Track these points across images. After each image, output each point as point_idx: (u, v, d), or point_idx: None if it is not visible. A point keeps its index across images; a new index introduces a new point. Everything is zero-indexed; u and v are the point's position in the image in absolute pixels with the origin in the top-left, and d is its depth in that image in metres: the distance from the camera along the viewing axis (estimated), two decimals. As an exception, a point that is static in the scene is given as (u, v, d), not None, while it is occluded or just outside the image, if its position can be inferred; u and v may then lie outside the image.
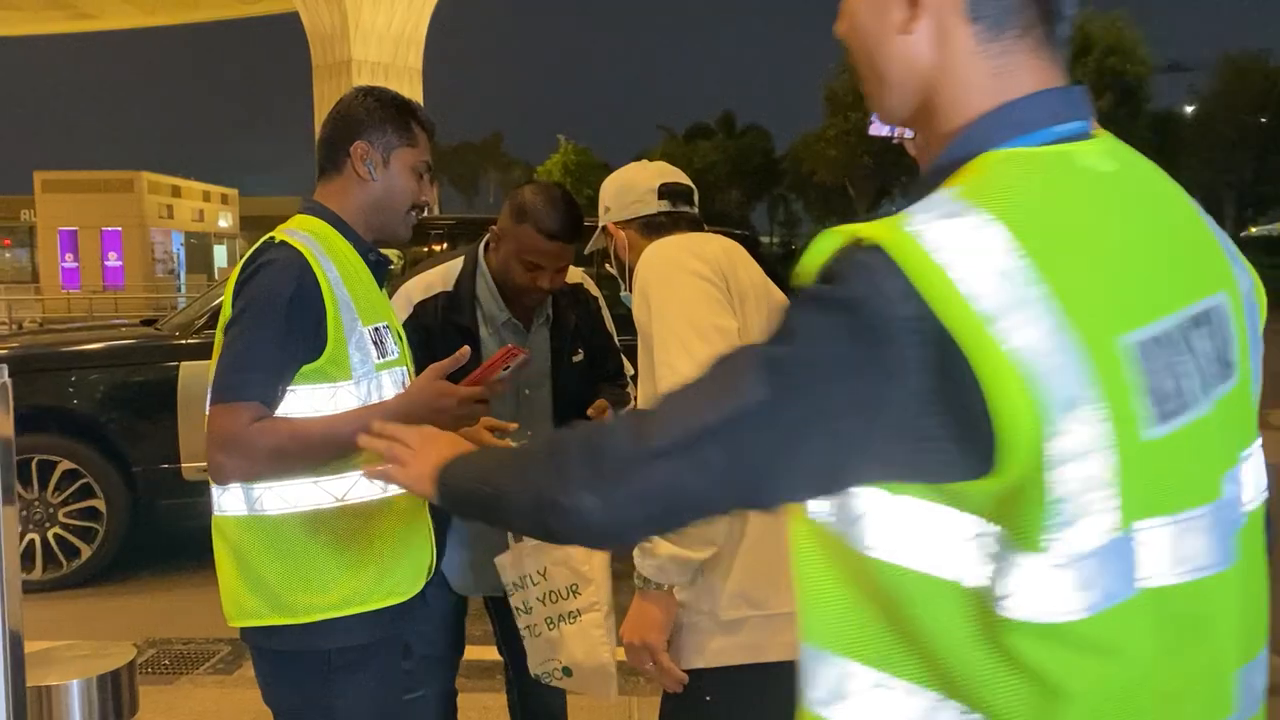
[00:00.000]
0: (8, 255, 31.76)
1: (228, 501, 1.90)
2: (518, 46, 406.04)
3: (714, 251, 1.90)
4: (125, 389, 5.42)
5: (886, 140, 3.04)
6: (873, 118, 3.14)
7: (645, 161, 2.24)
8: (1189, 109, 36.68)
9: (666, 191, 2.13)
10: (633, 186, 2.14)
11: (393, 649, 2.00)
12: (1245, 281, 1.01)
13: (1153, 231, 0.91)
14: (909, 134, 2.96)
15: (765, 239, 58.49)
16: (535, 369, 2.51)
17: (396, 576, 1.96)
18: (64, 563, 5.28)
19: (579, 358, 2.63)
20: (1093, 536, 0.81)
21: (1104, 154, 0.92)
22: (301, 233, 1.93)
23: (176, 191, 38.08)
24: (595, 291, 2.78)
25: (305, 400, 1.86)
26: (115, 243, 34.15)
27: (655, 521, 0.98)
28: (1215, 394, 0.91)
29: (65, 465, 5.28)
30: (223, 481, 1.86)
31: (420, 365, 2.05)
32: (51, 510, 5.29)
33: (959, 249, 0.81)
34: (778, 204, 59.11)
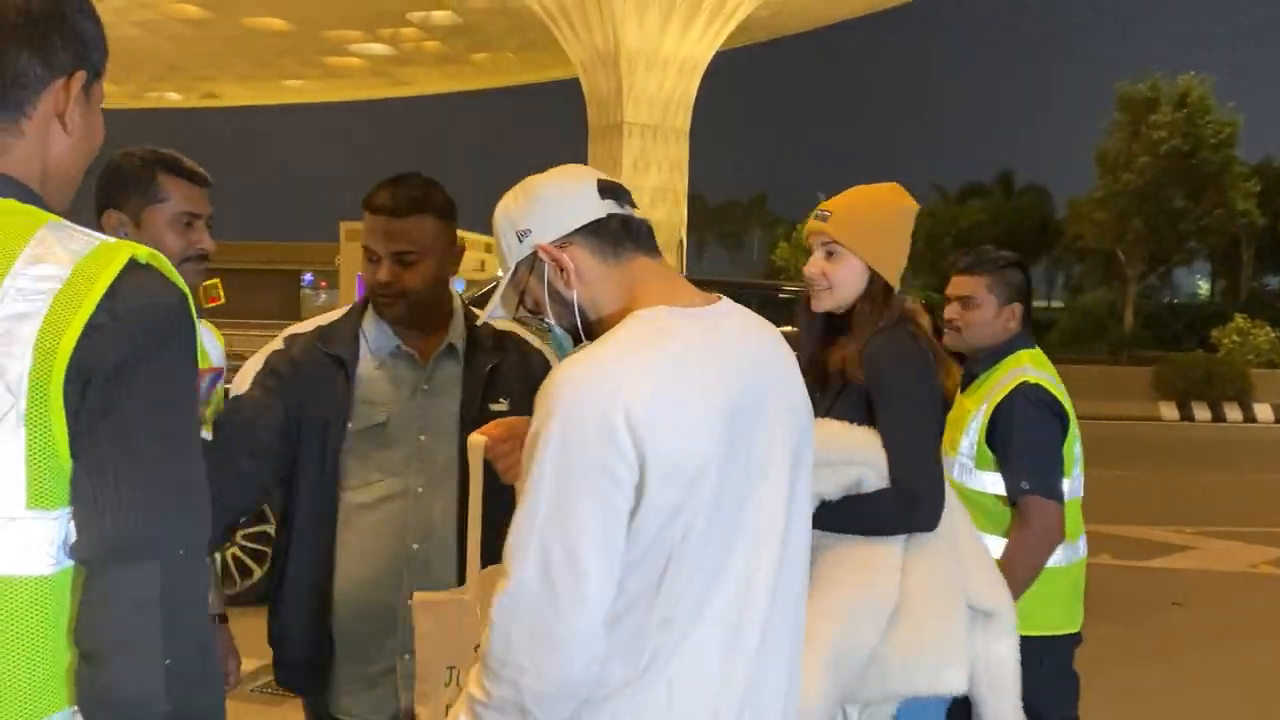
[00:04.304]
0: (323, 296, 35.40)
1: None
2: (784, 106, 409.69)
3: (662, 375, 1.33)
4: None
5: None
6: None
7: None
8: None
9: (607, 188, 1.50)
10: (561, 190, 1.50)
11: None
12: None
13: None
14: None
15: (1042, 304, 55.21)
16: (436, 411, 2.15)
17: None
18: (237, 581, 5.55)
19: (500, 406, 2.16)
20: None
21: None
22: None
23: (462, 243, 40.72)
24: (538, 345, 2.31)
25: None
26: (402, 287, 36.94)
27: None
28: None
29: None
30: None
31: (293, 397, 2.07)
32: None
33: None
34: (1057, 267, 56.00)
